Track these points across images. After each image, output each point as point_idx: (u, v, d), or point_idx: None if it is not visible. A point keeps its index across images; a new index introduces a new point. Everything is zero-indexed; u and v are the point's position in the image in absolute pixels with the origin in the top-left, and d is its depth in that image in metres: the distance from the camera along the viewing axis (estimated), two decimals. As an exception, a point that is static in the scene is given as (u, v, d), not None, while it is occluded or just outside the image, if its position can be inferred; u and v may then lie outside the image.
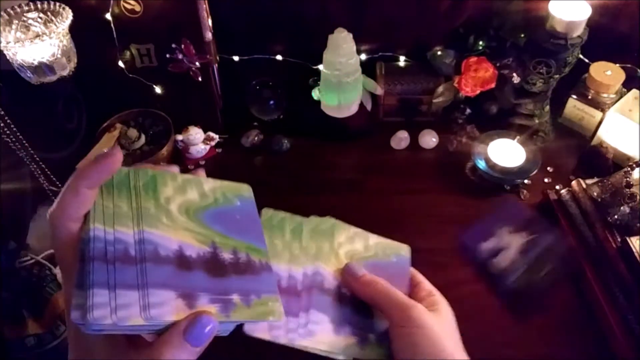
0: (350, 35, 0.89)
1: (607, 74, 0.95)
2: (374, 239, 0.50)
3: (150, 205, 0.38)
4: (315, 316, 0.43)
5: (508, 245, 0.81)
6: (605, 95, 0.96)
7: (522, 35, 0.93)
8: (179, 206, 0.39)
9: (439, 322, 0.41)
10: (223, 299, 0.37)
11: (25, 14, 0.78)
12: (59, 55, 0.77)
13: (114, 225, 0.35)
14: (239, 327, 0.39)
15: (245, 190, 0.46)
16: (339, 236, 0.48)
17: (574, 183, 0.85)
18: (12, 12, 0.77)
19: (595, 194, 0.80)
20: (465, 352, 0.42)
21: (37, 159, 0.79)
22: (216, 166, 1.02)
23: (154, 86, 0.99)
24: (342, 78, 0.91)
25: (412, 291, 0.45)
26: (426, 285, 0.46)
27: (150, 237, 0.36)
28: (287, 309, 0.41)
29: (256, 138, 1.03)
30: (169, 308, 0.33)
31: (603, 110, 0.95)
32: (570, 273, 0.80)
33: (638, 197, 0.75)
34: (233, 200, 0.44)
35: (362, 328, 0.45)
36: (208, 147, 1.01)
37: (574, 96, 0.98)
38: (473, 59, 0.96)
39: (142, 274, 0.34)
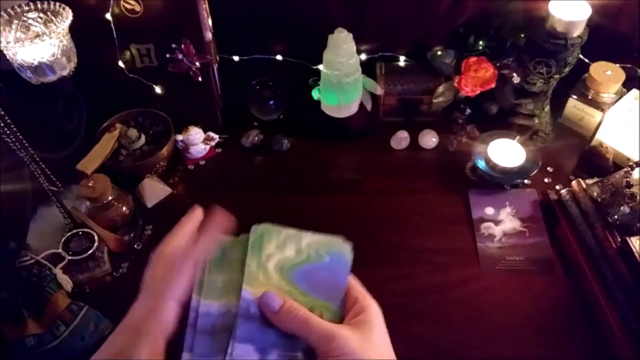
0: (350, 35, 0.89)
1: (607, 74, 0.95)
2: (307, 239, 0.48)
3: (253, 263, 0.43)
4: (238, 350, 0.41)
5: (501, 222, 0.88)
6: (605, 95, 0.96)
7: (522, 35, 0.93)
8: (276, 264, 0.44)
9: (363, 339, 0.40)
10: (290, 355, 0.42)
11: (25, 14, 0.78)
12: (59, 55, 0.77)
13: (219, 299, 0.42)
14: None
15: (339, 246, 0.48)
16: (269, 246, 0.46)
17: (574, 183, 0.85)
18: (12, 12, 0.77)
19: (595, 194, 0.80)
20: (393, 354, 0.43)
21: (37, 159, 0.79)
22: (216, 166, 1.02)
23: (154, 86, 0.99)
24: (342, 78, 0.91)
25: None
26: (352, 292, 0.44)
27: (247, 296, 0.41)
28: (207, 351, 0.42)
29: (256, 138, 1.03)
30: None
31: (603, 110, 0.95)
32: (542, 272, 0.82)
33: (638, 197, 0.75)
34: (324, 257, 0.46)
35: (290, 349, 0.43)
36: (208, 147, 1.01)
37: (574, 96, 0.98)
38: (473, 59, 0.96)
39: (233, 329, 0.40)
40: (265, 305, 0.41)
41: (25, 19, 0.78)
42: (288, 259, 0.45)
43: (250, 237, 0.44)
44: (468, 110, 1.04)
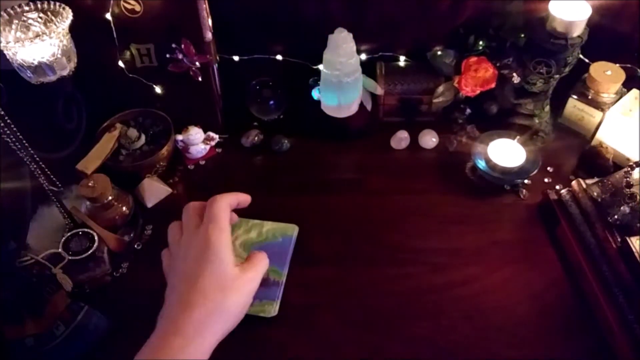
0: (350, 35, 0.89)
1: (607, 74, 0.95)
2: (267, 226, 0.76)
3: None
4: None
5: None
6: (605, 95, 0.96)
7: (522, 35, 0.93)
8: (241, 242, 0.71)
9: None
10: None
11: (25, 14, 0.77)
12: (59, 55, 0.77)
13: None
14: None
15: (290, 230, 0.79)
16: (238, 230, 0.72)
17: (574, 183, 0.85)
18: (12, 12, 0.76)
19: (595, 194, 0.80)
20: None
21: (37, 158, 0.79)
22: (216, 166, 1.02)
23: (154, 86, 0.99)
24: (342, 78, 0.91)
25: None
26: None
27: None
28: None
29: (256, 138, 1.03)
30: None
31: (603, 110, 0.95)
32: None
33: (638, 197, 0.75)
34: (277, 238, 0.76)
35: None
36: (208, 147, 1.01)
37: (574, 96, 0.98)
38: (473, 59, 0.97)
39: None
40: None
41: (25, 18, 0.77)
42: (251, 239, 0.72)
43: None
44: (468, 110, 1.04)
